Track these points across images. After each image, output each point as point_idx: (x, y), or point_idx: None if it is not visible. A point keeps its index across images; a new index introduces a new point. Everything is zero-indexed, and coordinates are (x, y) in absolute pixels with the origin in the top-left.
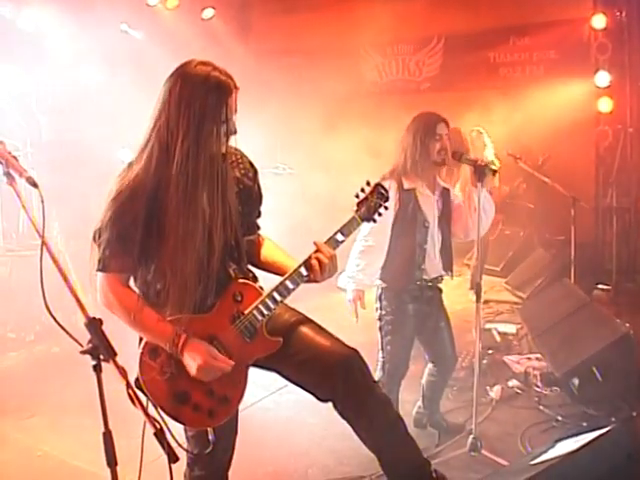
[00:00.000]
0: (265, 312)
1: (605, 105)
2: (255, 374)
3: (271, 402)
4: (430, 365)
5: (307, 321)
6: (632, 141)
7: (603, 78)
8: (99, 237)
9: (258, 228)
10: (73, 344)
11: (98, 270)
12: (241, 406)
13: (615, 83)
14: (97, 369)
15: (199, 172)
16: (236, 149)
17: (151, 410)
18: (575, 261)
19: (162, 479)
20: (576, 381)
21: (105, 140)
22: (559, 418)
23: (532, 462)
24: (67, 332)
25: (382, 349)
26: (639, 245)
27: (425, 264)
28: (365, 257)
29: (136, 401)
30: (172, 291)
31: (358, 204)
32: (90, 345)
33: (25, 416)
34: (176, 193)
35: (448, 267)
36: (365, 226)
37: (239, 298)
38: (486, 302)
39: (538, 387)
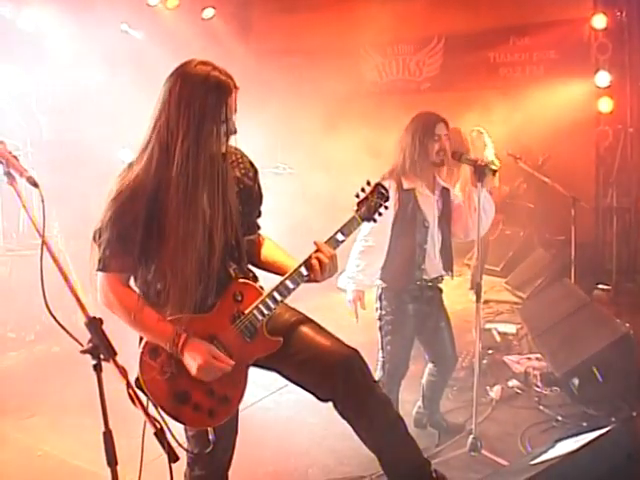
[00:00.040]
0: (265, 312)
1: (605, 105)
2: (255, 374)
3: (271, 402)
4: (430, 365)
5: (307, 321)
6: (632, 141)
7: (603, 78)
8: (99, 237)
9: (258, 228)
10: (73, 344)
11: (98, 270)
12: (241, 406)
13: (615, 83)
14: (97, 369)
15: (199, 172)
16: (236, 149)
17: (151, 410)
18: (575, 261)
19: (162, 479)
20: (576, 381)
21: (105, 140)
22: (559, 418)
23: (532, 462)
24: (67, 332)
25: (382, 349)
26: (639, 245)
27: (425, 264)
28: (365, 257)
29: (136, 401)
30: (172, 291)
31: (358, 204)
32: (90, 345)
33: (25, 416)
34: (176, 194)
35: (448, 267)
36: (365, 226)
37: (239, 298)
38: (486, 302)
39: (538, 387)
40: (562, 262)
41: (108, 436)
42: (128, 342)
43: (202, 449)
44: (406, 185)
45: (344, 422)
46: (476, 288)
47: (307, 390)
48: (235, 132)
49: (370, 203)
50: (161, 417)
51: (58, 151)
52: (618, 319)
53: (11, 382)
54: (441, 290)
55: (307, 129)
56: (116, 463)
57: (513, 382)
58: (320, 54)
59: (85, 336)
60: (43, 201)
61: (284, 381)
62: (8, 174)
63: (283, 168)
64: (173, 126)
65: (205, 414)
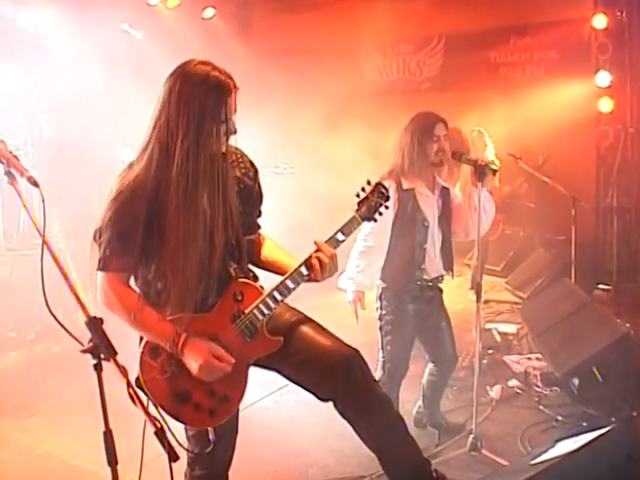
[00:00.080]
0: (266, 311)
1: (606, 105)
2: (255, 373)
3: (271, 402)
4: (430, 365)
5: (308, 320)
6: (633, 141)
7: (604, 78)
8: (99, 237)
9: (259, 227)
10: (74, 343)
11: (98, 269)
12: (241, 405)
13: (616, 83)
14: (98, 368)
15: (199, 172)
16: (236, 148)
17: (152, 409)
18: (576, 261)
19: (162, 478)
20: (576, 381)
21: (106, 140)
22: (559, 418)
23: (532, 462)
24: (68, 331)
25: (382, 349)
26: None
27: (425, 264)
28: (365, 258)
29: (137, 400)
30: (173, 291)
31: (359, 203)
32: (91, 344)
33: (25, 415)
34: (176, 193)
35: (449, 267)
36: (365, 227)
37: (240, 297)
38: (486, 302)
39: (538, 387)
40: (562, 262)
41: (108, 435)
42: (128, 342)
43: (202, 449)
44: (405, 185)
45: (344, 422)
46: (476, 288)
47: (307, 390)
48: (235, 132)
49: (370, 203)
50: (161, 417)
51: (58, 151)
52: (618, 319)
53: (11, 381)
54: (441, 290)
55: (307, 129)
56: (116, 463)
57: (513, 382)
58: (320, 54)
59: (85, 336)
60: (43, 201)
61: (284, 381)
62: (9, 174)
63: (283, 168)
64: (173, 126)
65: (205, 414)
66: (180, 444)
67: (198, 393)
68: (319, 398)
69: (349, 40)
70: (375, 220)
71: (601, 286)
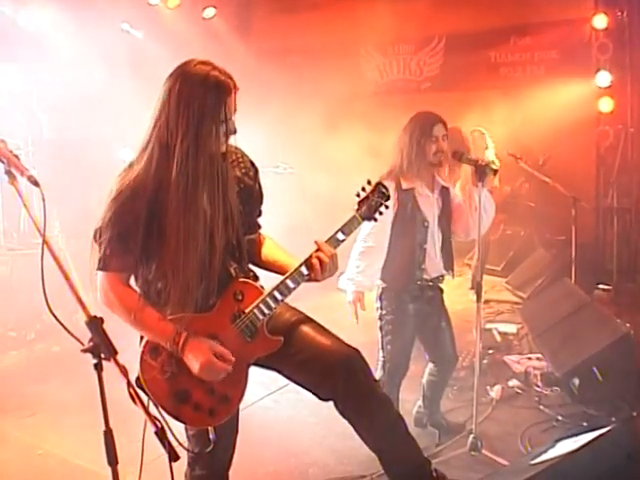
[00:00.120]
0: (266, 311)
1: (606, 105)
2: (256, 373)
3: (272, 401)
4: (430, 365)
5: (308, 320)
6: (633, 141)
7: (604, 78)
8: (100, 237)
9: (259, 227)
10: (74, 343)
11: (98, 269)
12: (242, 405)
13: (616, 83)
14: (98, 368)
15: (199, 172)
16: (236, 148)
17: (152, 409)
18: (576, 261)
19: (163, 478)
20: (576, 381)
21: (106, 139)
22: (559, 418)
23: (532, 462)
24: (68, 330)
25: (382, 349)
26: None
27: (425, 264)
28: (365, 258)
29: (137, 400)
30: (173, 291)
31: (359, 203)
32: (91, 344)
33: (26, 415)
34: (176, 194)
35: (449, 266)
36: (364, 227)
37: (240, 297)
38: (487, 302)
39: (538, 387)
40: (563, 262)
41: (109, 435)
42: (129, 341)
43: (203, 448)
44: (405, 185)
45: (345, 421)
46: (477, 288)
47: (308, 390)
48: (235, 132)
49: (371, 202)
50: (162, 416)
51: (58, 150)
52: (618, 319)
53: (11, 381)
54: (442, 290)
55: (307, 128)
56: (117, 462)
57: (513, 382)
58: (321, 54)
59: (86, 335)
60: (44, 200)
61: (285, 380)
62: (9, 173)
63: (284, 168)
64: (172, 126)
65: (206, 413)
66: (180, 444)
67: (198, 393)
68: (319, 398)
69: (349, 40)
70: (375, 220)
71: (601, 286)
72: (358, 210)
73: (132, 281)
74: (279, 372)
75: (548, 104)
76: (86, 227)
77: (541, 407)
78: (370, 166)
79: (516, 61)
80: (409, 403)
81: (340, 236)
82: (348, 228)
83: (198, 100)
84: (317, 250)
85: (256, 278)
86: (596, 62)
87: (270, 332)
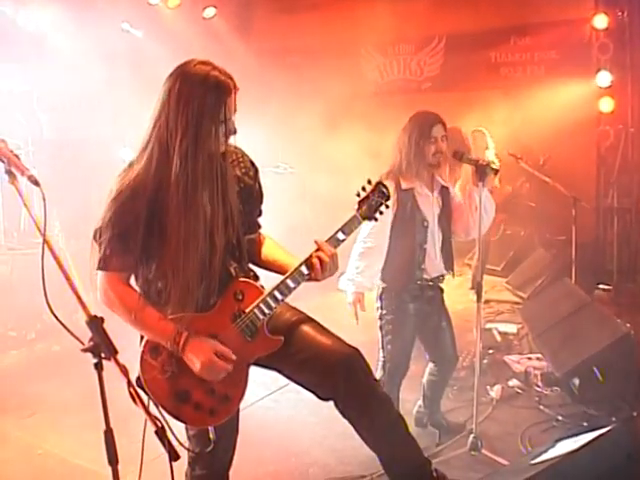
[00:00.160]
0: (266, 311)
1: (606, 105)
2: (256, 373)
3: (272, 401)
4: (431, 364)
5: (308, 320)
6: (633, 141)
7: (604, 78)
8: (100, 236)
9: (259, 227)
10: (74, 342)
11: (99, 269)
12: (242, 405)
13: (616, 83)
14: (98, 367)
15: (198, 172)
16: (236, 148)
17: (152, 408)
18: (576, 261)
19: (163, 477)
20: (576, 381)
21: (106, 139)
22: (559, 418)
23: (532, 462)
24: (68, 330)
25: (383, 348)
26: None
27: (425, 264)
28: (365, 259)
29: (137, 399)
30: (174, 291)
31: (359, 203)
32: (91, 343)
33: (26, 414)
34: (176, 194)
35: (449, 266)
36: (364, 228)
37: (240, 297)
38: (487, 302)
39: (538, 387)
40: (563, 262)
41: (109, 435)
42: (129, 341)
43: (203, 448)
44: (404, 185)
45: (345, 421)
46: (477, 288)
47: (308, 389)
48: (235, 132)
49: (371, 202)
50: (162, 416)
51: (59, 150)
52: (619, 319)
53: (12, 381)
54: (442, 290)
55: (308, 128)
56: (117, 462)
57: (513, 382)
58: (321, 54)
59: (86, 335)
60: (44, 200)
61: (285, 380)
62: (9, 173)
63: (284, 167)
64: (172, 126)
65: (206, 413)
66: (181, 443)
67: (198, 392)
68: (320, 397)
69: (349, 40)
70: (376, 219)
71: (601, 286)
72: (358, 210)
73: (132, 281)
74: (279, 372)
75: (548, 104)
76: (86, 227)
77: (541, 407)
78: (370, 166)
79: (516, 61)
80: (409, 403)
81: (340, 236)
82: (348, 228)
83: (198, 100)
84: (317, 250)
85: (256, 278)
86: (596, 62)
87: (270, 332)
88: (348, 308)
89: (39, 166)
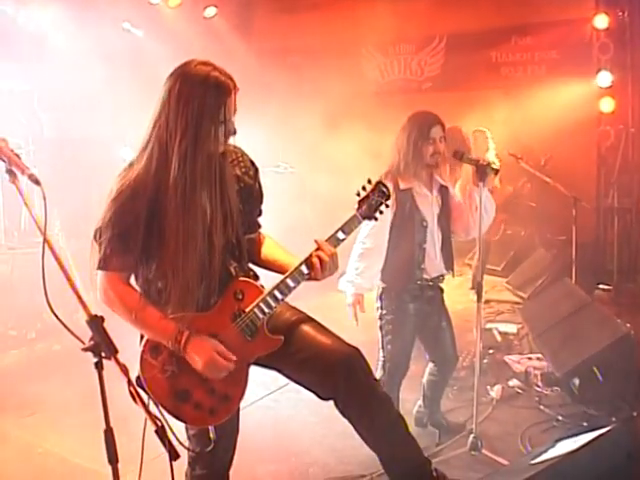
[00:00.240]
0: (266, 310)
1: (607, 105)
2: (256, 372)
3: (272, 401)
4: (431, 364)
5: (308, 320)
6: (634, 141)
7: (605, 78)
8: (100, 236)
9: (259, 226)
10: (74, 342)
11: (99, 268)
12: (242, 405)
13: (617, 83)
14: (98, 366)
15: (197, 173)
16: (236, 147)
17: (152, 408)
18: (576, 261)
19: (163, 477)
20: (577, 381)
21: (106, 138)
22: (559, 418)
23: (532, 462)
24: (69, 329)
25: (383, 348)
26: None
27: (425, 263)
28: (364, 260)
29: (137, 398)
30: (174, 291)
31: (359, 202)
32: (92, 342)
33: (26, 414)
34: (175, 195)
35: (449, 266)
36: (363, 229)
37: (240, 296)
38: (487, 302)
39: (539, 387)
40: (563, 262)
41: (109, 434)
42: (129, 340)
43: (203, 448)
44: (403, 185)
45: (345, 421)
46: (477, 288)
47: (308, 389)
48: (234, 133)
49: (371, 201)
50: (162, 415)
51: (59, 149)
52: (619, 319)
53: (12, 380)
54: (442, 290)
55: (308, 128)
56: (117, 461)
57: (514, 382)
58: (321, 53)
59: (86, 334)
60: (45, 199)
61: (285, 380)
62: (10, 172)
63: (284, 167)
64: (172, 126)
65: (206, 412)
66: (181, 443)
67: (198, 392)
68: (320, 397)
69: (350, 40)
70: (376, 219)
71: (602, 286)
72: (358, 209)
73: (132, 280)
74: (279, 371)
75: (549, 104)
76: (87, 226)
77: (541, 407)
78: (371, 166)
79: (517, 61)
80: (409, 403)
81: (340, 235)
82: (348, 227)
83: (198, 100)
84: (317, 249)
85: (256, 277)
86: (597, 62)
87: (270, 331)
88: (347, 309)
89: (40, 165)
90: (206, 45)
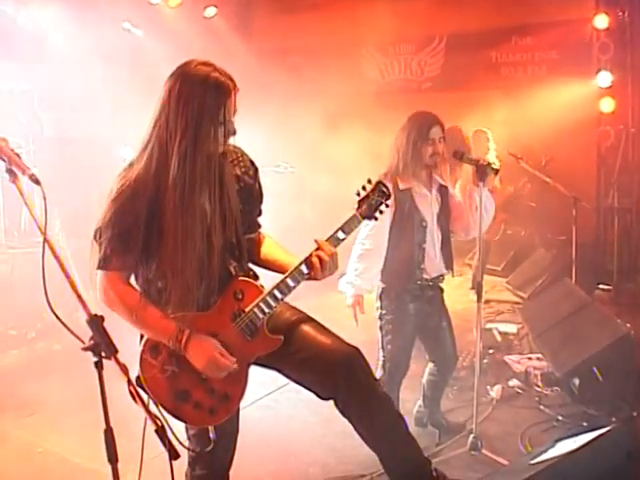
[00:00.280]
0: (266, 310)
1: (607, 105)
2: (256, 372)
3: (272, 400)
4: (431, 364)
5: (308, 319)
6: (634, 141)
7: (605, 78)
8: (100, 236)
9: (259, 226)
10: (74, 341)
11: (99, 268)
12: (241, 404)
13: (617, 83)
14: (98, 366)
15: (196, 174)
16: (236, 147)
17: (152, 407)
18: (576, 261)
19: (163, 476)
20: (577, 381)
21: (107, 138)
22: (559, 418)
23: (532, 462)
24: (69, 329)
25: (383, 348)
26: None
27: (425, 263)
28: (363, 261)
29: (137, 398)
30: (174, 291)
31: (359, 202)
32: (92, 342)
33: (26, 413)
34: (174, 194)
35: (449, 265)
36: (363, 229)
37: (240, 296)
38: (487, 302)
39: (538, 387)
40: (563, 262)
41: (109, 433)
42: (129, 340)
43: (203, 448)
44: (402, 186)
45: (345, 421)
46: (477, 288)
47: (308, 389)
48: (234, 133)
49: (371, 201)
50: (162, 415)
51: (59, 149)
52: (619, 319)
53: (12, 379)
54: (442, 289)
55: (308, 128)
56: (117, 460)
57: (514, 382)
58: (321, 53)
59: (86, 334)
60: (45, 198)
61: (285, 380)
62: (10, 171)
63: (284, 167)
64: (172, 126)
65: (206, 412)
66: (181, 443)
67: (198, 392)
68: (320, 397)
69: (350, 40)
70: (376, 218)
71: (602, 286)
72: (358, 209)
73: (132, 280)
74: (279, 371)
75: (549, 104)
76: (87, 226)
77: (541, 407)
78: (370, 166)
79: (517, 61)
80: (409, 403)
81: (340, 235)
82: (348, 227)
83: (197, 100)
84: (317, 249)
85: (256, 277)
86: (597, 62)
87: (270, 331)
88: (347, 311)
89: (40, 165)
90: (206, 45)
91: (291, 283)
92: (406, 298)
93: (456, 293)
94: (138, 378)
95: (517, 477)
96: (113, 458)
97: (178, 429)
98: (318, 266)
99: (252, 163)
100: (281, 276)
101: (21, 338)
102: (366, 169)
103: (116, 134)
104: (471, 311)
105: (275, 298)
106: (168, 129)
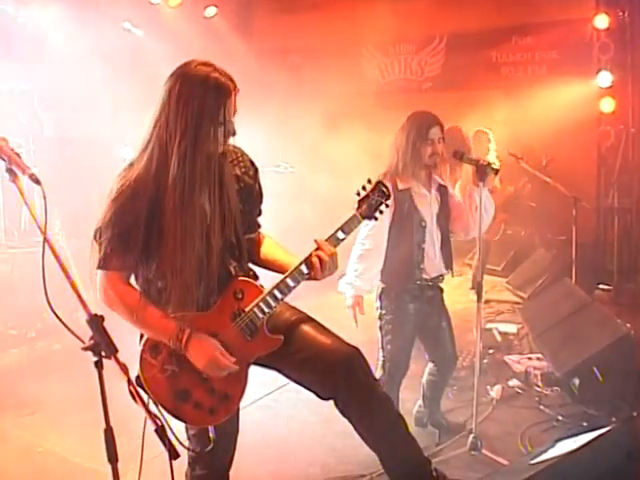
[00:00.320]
0: (266, 310)
1: (607, 105)
2: (256, 372)
3: (272, 400)
4: (430, 364)
5: (308, 319)
6: (634, 141)
7: (605, 78)
8: (100, 236)
9: (259, 226)
10: (74, 341)
11: (99, 268)
12: (241, 404)
13: (617, 83)
14: (98, 366)
15: (196, 174)
16: (236, 147)
17: (152, 407)
18: (576, 261)
19: (163, 476)
20: (577, 381)
21: (107, 137)
22: (559, 418)
23: (532, 462)
24: (69, 328)
25: (382, 348)
26: None
27: (424, 263)
28: (363, 261)
29: (137, 398)
30: (173, 291)
31: (359, 202)
32: (92, 342)
33: (26, 413)
34: (173, 195)
35: (448, 265)
36: (362, 230)
37: (240, 296)
38: (487, 302)
39: (538, 387)
40: (563, 262)
41: (109, 433)
42: (129, 339)
43: (203, 448)
44: (401, 186)
45: (345, 420)
46: (477, 288)
47: (308, 389)
48: (234, 134)
49: (371, 201)
50: (162, 415)
51: (59, 149)
52: (619, 319)
53: (12, 379)
54: (442, 289)
55: (308, 128)
56: (117, 460)
57: (514, 382)
58: (321, 53)
59: (86, 333)
60: (45, 198)
61: (284, 380)
62: (10, 171)
63: (284, 167)
64: (172, 126)
65: (206, 412)
66: (181, 443)
67: (198, 391)
68: (320, 397)
69: (350, 40)
70: (376, 218)
71: (602, 286)
72: (358, 209)
73: (132, 280)
74: (279, 371)
75: (549, 104)
76: (87, 225)
77: (541, 407)
78: (370, 166)
79: (517, 61)
80: (409, 403)
81: (340, 235)
82: (348, 227)
83: (197, 100)
84: (317, 249)
85: (256, 277)
86: (597, 62)
87: (270, 331)
88: (347, 311)
89: (40, 165)
90: (206, 45)
91: (291, 283)
92: (406, 298)
93: (456, 293)
94: (138, 378)
95: (517, 477)
96: (113, 458)
97: (178, 429)
98: (318, 266)
99: (252, 163)
100: (281, 276)
101: (21, 338)
102: (366, 169)
103: (116, 134)
104: (471, 311)
105: (275, 298)
106: (168, 129)
